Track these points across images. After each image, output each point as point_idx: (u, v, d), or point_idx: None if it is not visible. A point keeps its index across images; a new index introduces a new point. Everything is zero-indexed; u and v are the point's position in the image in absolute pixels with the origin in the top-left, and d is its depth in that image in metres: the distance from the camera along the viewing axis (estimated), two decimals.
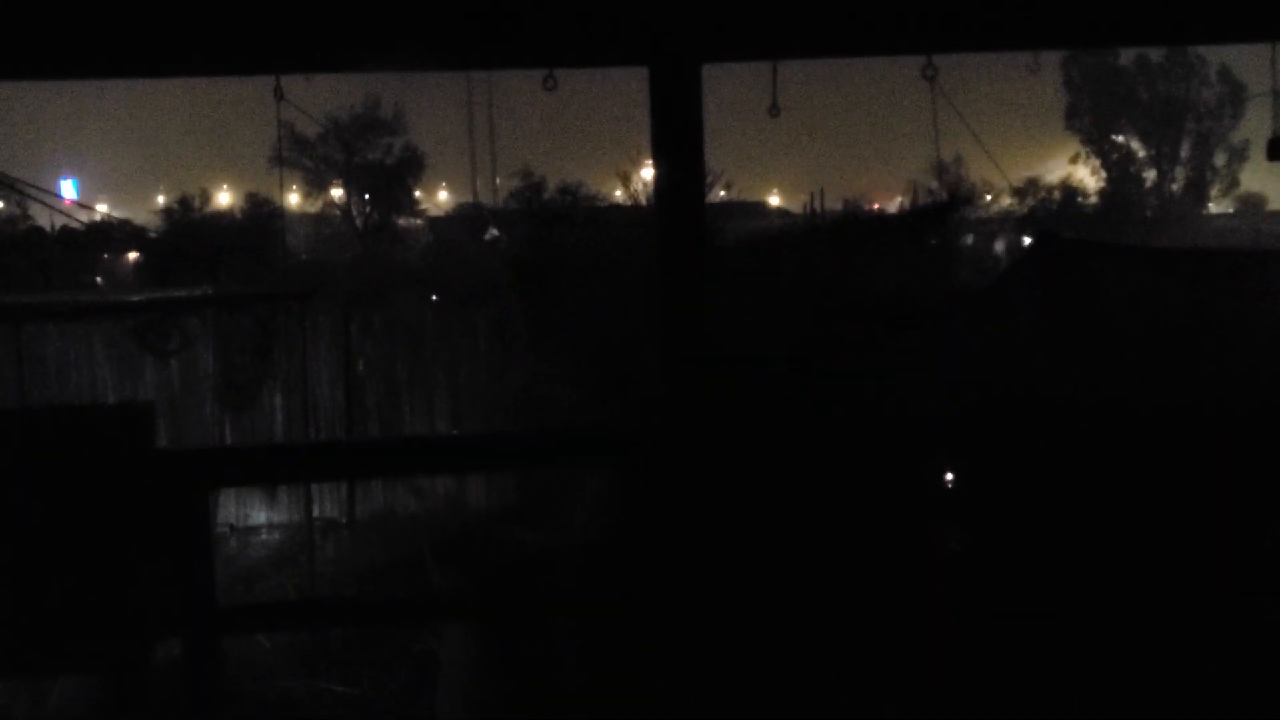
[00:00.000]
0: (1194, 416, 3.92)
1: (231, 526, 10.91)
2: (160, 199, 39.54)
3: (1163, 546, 3.78)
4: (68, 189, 42.72)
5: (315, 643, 7.13)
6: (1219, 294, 4.94)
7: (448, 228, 37.75)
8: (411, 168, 40.18)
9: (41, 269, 20.47)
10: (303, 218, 41.81)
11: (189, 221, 32.18)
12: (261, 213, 33.21)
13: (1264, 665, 3.66)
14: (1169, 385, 4.36)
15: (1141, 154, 44.91)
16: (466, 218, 38.14)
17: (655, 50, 3.50)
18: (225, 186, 43.61)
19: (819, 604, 3.80)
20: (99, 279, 23.67)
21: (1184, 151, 45.34)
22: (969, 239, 31.02)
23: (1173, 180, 45.25)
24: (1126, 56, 44.04)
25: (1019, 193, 36.80)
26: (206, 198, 37.24)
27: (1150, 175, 45.29)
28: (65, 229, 24.38)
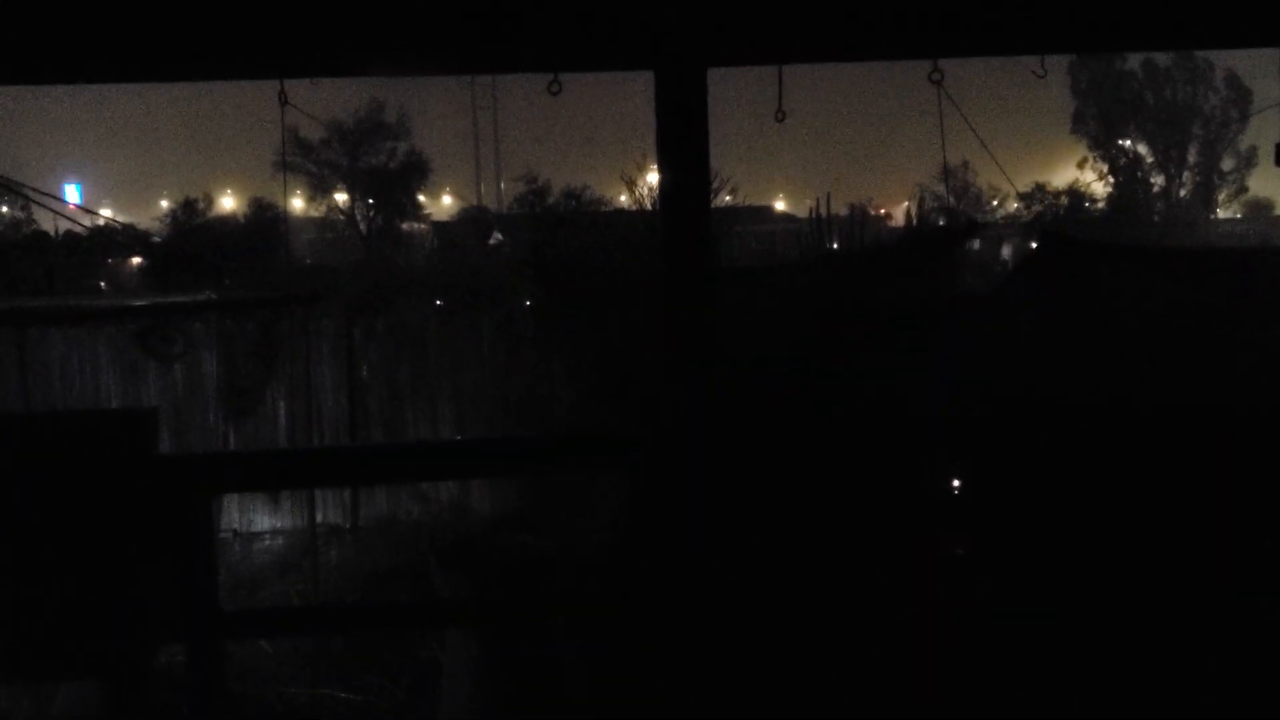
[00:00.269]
0: (1201, 417, 3.90)
1: (235, 532, 10.91)
2: (164, 203, 39.64)
3: (1170, 549, 3.76)
4: (72, 193, 42.90)
5: (318, 648, 7.11)
6: (1225, 292, 4.92)
7: (452, 232, 37.79)
8: (415, 172, 40.24)
9: (45, 274, 20.50)
10: (306, 222, 41.90)
11: (193, 226, 32.21)
12: (265, 217, 33.24)
13: (1270, 667, 3.64)
14: (1175, 385, 4.35)
15: (1149, 159, 44.93)
16: (470, 222, 38.18)
17: (660, 54, 3.49)
18: (229, 191, 43.74)
19: (821, 606, 3.78)
20: (103, 284, 23.73)
21: (1191, 157, 45.36)
22: (975, 244, 31.03)
23: (1181, 186, 45.27)
24: (1133, 61, 44.09)
25: (1026, 198, 36.81)
26: (210, 202, 37.28)
27: (1158, 180, 45.31)
28: (69, 233, 24.44)
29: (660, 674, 3.68)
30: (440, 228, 40.70)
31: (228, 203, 41.22)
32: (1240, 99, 44.14)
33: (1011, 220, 37.88)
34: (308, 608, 7.67)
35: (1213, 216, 45.84)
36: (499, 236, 34.32)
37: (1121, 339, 4.68)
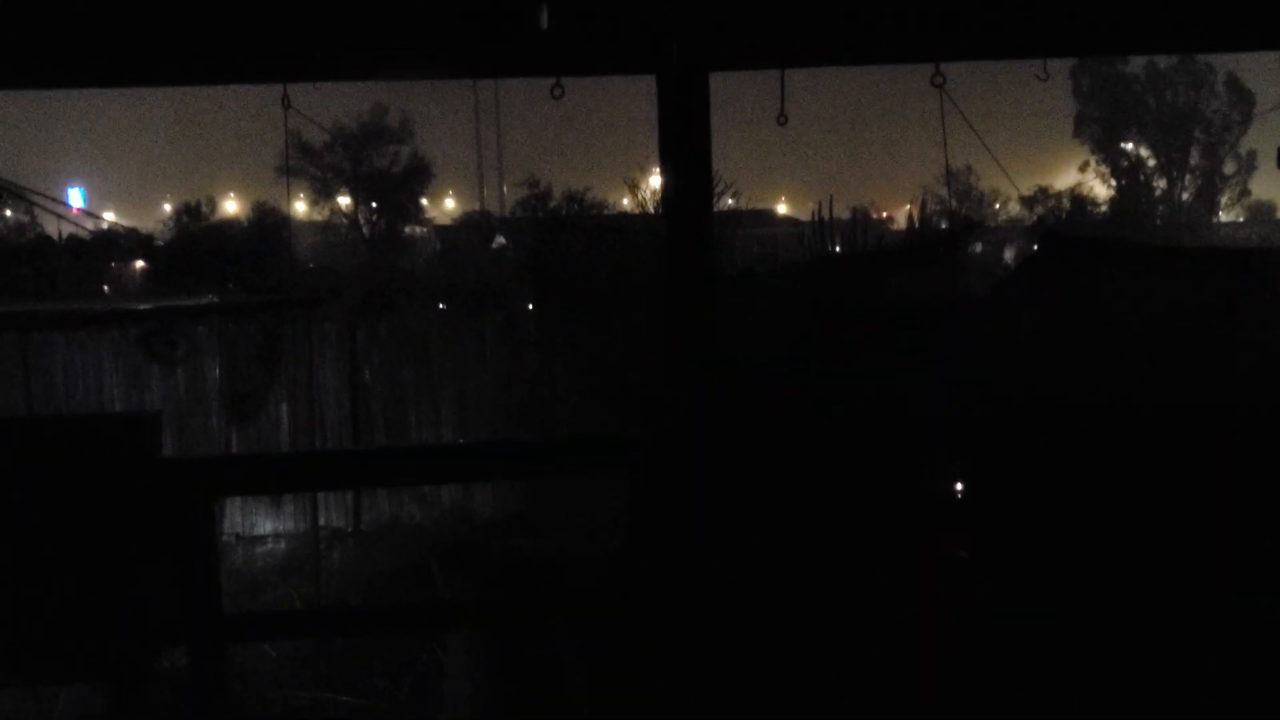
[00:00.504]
0: (1202, 417, 3.90)
1: (237, 535, 10.90)
2: (167, 207, 39.66)
3: (1171, 549, 3.76)
4: (75, 197, 42.91)
5: (320, 652, 7.11)
6: (1226, 292, 4.92)
7: (454, 236, 37.81)
8: (418, 176, 40.27)
9: (49, 278, 20.53)
10: (309, 226, 41.92)
11: (196, 230, 32.26)
12: (268, 221, 33.28)
13: (1271, 668, 3.64)
14: (1176, 386, 4.34)
15: (1151, 162, 44.92)
16: (473, 226, 38.19)
17: (662, 58, 3.49)
18: (232, 195, 43.76)
19: (821, 607, 3.78)
20: (106, 287, 23.75)
21: (1194, 160, 45.34)
22: (978, 247, 31.02)
23: (1183, 189, 45.25)
24: (1135, 64, 44.08)
25: (1028, 201, 36.80)
26: (213, 206, 37.34)
27: (1160, 184, 45.28)
28: (73, 237, 24.47)
29: (660, 675, 3.68)
30: (443, 231, 40.72)
31: (231, 206, 41.26)
32: (1242, 102, 44.11)
33: (1014, 223, 37.88)
34: (310, 610, 7.68)
35: (1215, 220, 45.81)
36: (501, 240, 34.33)
37: (1122, 339, 4.68)
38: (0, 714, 5.08)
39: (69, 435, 3.56)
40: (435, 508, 10.98)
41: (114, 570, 3.40)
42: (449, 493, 10.93)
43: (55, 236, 26.26)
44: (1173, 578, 3.74)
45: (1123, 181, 44.04)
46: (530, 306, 12.76)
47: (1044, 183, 38.93)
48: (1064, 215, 36.91)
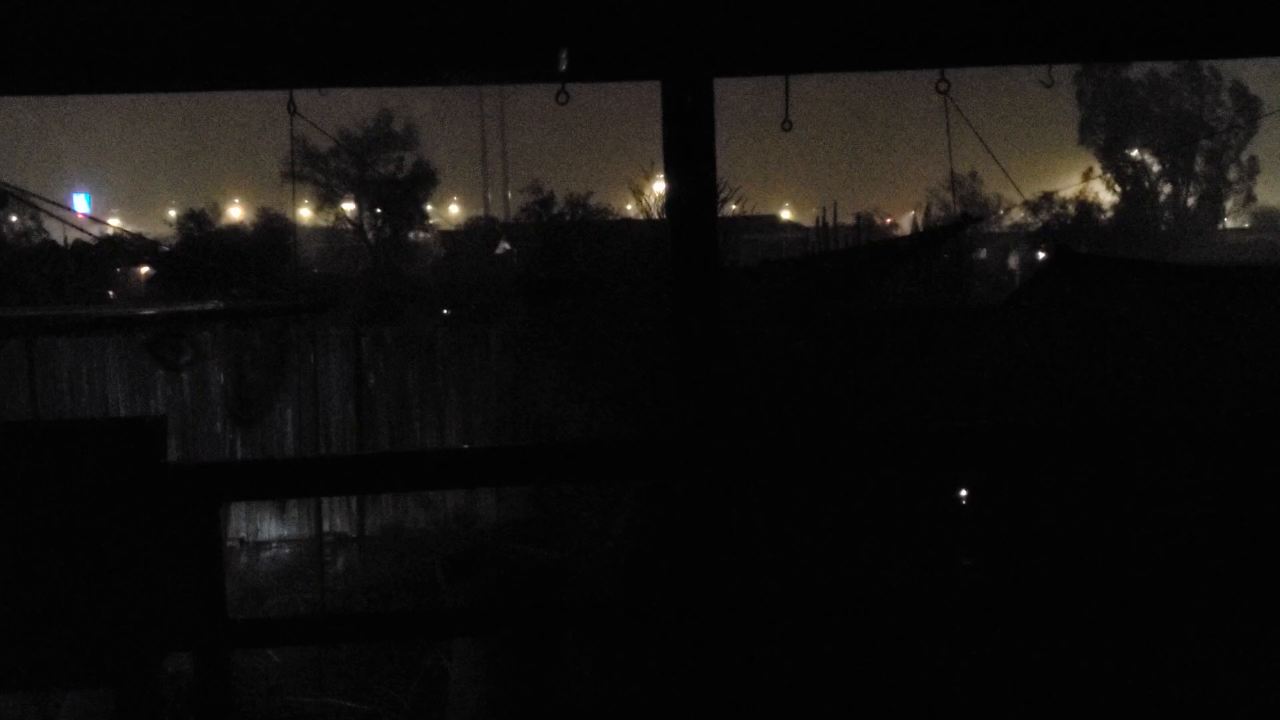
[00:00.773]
0: (1210, 429, 3.89)
1: (242, 541, 10.91)
2: (172, 213, 39.75)
3: (1181, 557, 3.76)
4: (81, 203, 43.05)
5: (325, 658, 7.12)
6: (1234, 309, 4.92)
7: (459, 242, 37.87)
8: (423, 182, 40.32)
9: (54, 283, 20.57)
10: (314, 232, 42.01)
11: (201, 235, 32.31)
12: (273, 227, 33.35)
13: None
14: (1185, 401, 4.34)
15: (1156, 168, 44.89)
16: (478, 232, 38.27)
17: (668, 64, 3.50)
18: (237, 200, 43.90)
19: (830, 611, 3.78)
20: (112, 293, 23.80)
21: (1198, 166, 45.32)
22: (983, 253, 31.04)
23: (1188, 195, 45.22)
24: (1138, 70, 44.10)
25: (1033, 207, 36.77)
26: (218, 212, 37.46)
27: (1165, 189, 45.26)
28: (78, 243, 24.53)
29: (668, 681, 3.68)
30: (447, 237, 40.79)
31: (236, 212, 41.39)
32: (1248, 108, 44.10)
33: (1019, 229, 37.87)
34: (315, 617, 7.67)
35: (1221, 226, 45.79)
36: (506, 246, 34.38)
37: (1133, 352, 4.68)
38: (4, 718, 5.08)
39: (74, 440, 3.56)
40: (439, 513, 10.99)
41: (118, 575, 3.40)
42: (453, 498, 10.94)
43: (61, 242, 26.32)
44: (1181, 585, 3.73)
45: (1127, 187, 44.02)
46: (535, 311, 12.77)
47: (1049, 188, 38.91)
48: (1069, 221, 36.86)
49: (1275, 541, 3.77)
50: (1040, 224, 36.80)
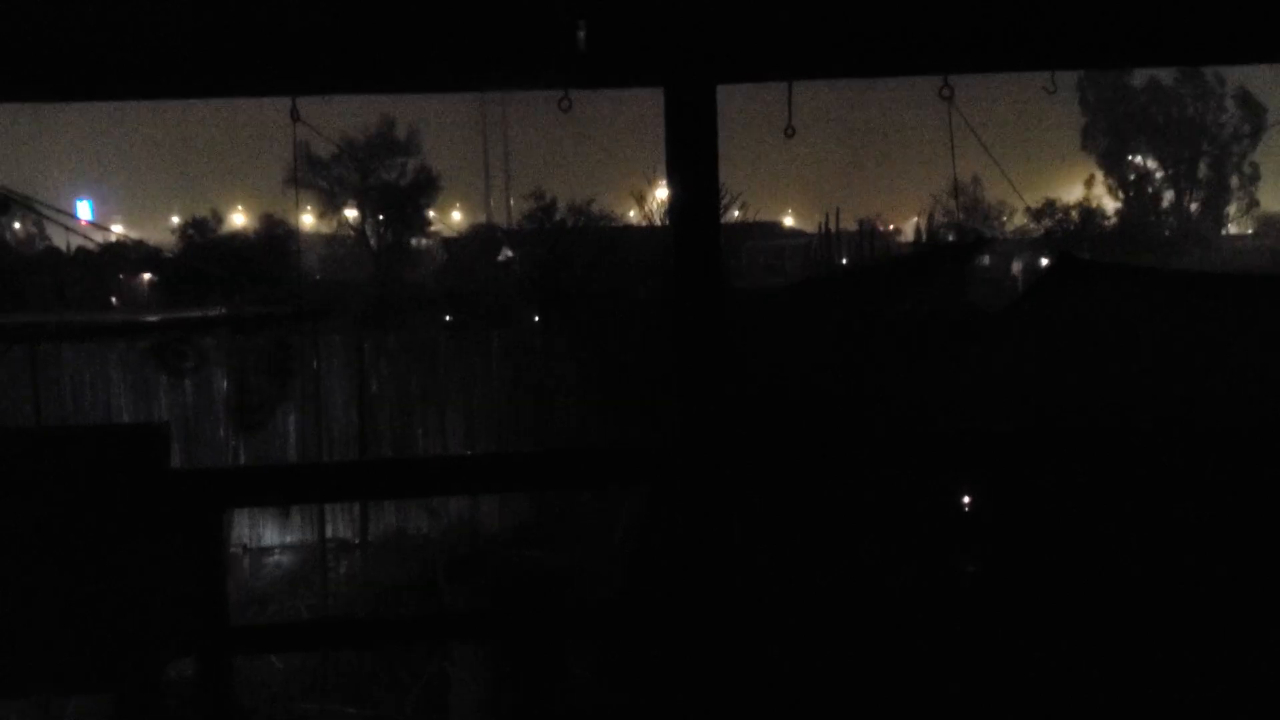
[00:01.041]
0: (1213, 437, 3.90)
1: (244, 547, 10.91)
2: (175, 219, 39.84)
3: (1180, 567, 3.75)
4: (84, 210, 43.14)
5: (327, 663, 7.11)
6: (1237, 316, 4.92)
7: (461, 248, 37.90)
8: (425, 188, 40.38)
9: (57, 289, 20.60)
10: (317, 238, 42.07)
11: (204, 242, 32.36)
12: (276, 233, 33.38)
13: None
14: (1187, 407, 4.35)
15: (1159, 174, 44.90)
16: (480, 238, 38.29)
17: (671, 71, 3.50)
18: (240, 207, 43.97)
19: (834, 618, 3.78)
20: (114, 299, 23.83)
21: (1201, 172, 45.33)
22: (986, 259, 31.03)
23: (1191, 201, 45.23)
24: (1140, 77, 44.12)
25: (1036, 213, 36.78)
26: (221, 218, 37.49)
27: (1168, 196, 45.27)
28: (81, 249, 24.56)
29: (671, 687, 3.67)
30: (450, 244, 40.82)
31: (239, 219, 41.42)
32: (1252, 115, 44.11)
33: (1022, 235, 37.86)
34: (317, 622, 7.67)
35: (1224, 232, 45.79)
36: (508, 253, 34.41)
37: (1136, 360, 4.68)
38: None
39: (77, 446, 3.57)
40: (442, 519, 10.99)
41: (121, 581, 3.41)
42: (455, 504, 10.94)
43: (64, 248, 26.37)
44: (1184, 595, 3.73)
45: (1130, 194, 44.03)
46: (536, 318, 12.78)
47: (1051, 195, 38.92)
48: (1072, 227, 36.87)
49: (1274, 543, 3.77)
50: (1043, 230, 36.80)
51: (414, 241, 40.87)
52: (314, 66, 3.57)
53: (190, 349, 10.41)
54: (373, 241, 40.06)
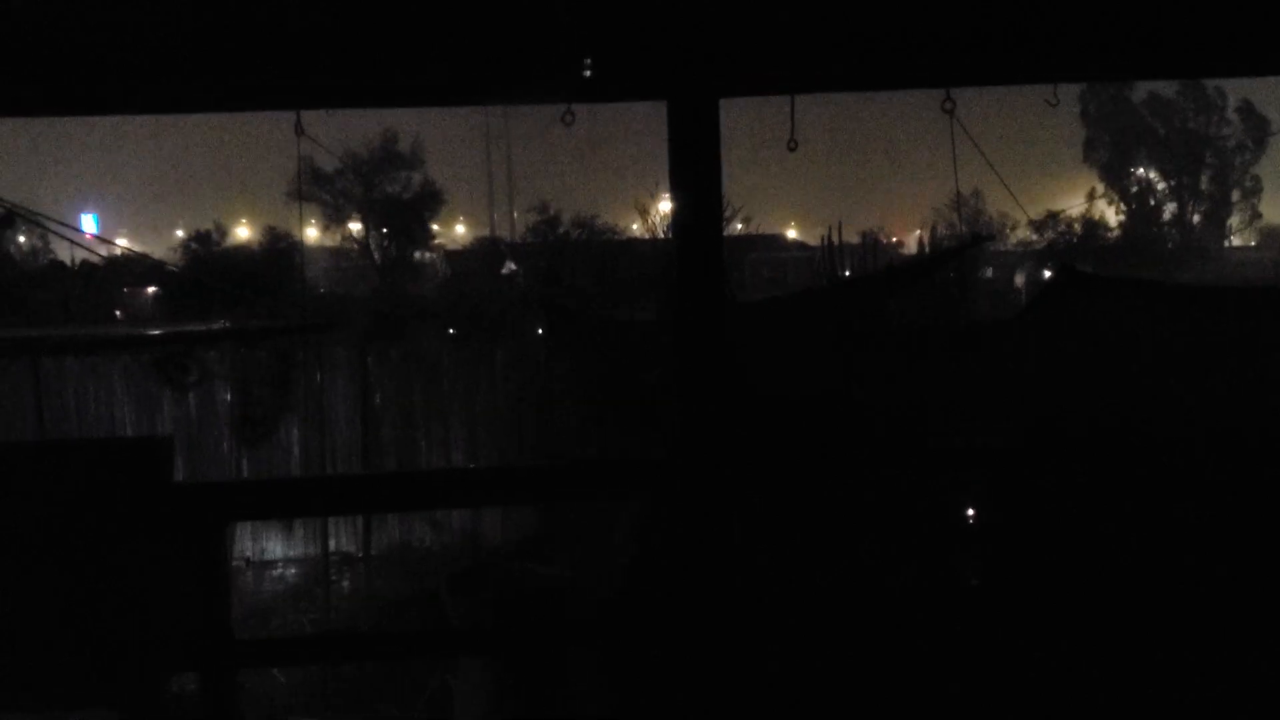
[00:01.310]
0: (1216, 449, 3.89)
1: (247, 560, 10.90)
2: (179, 233, 39.87)
3: (1186, 577, 3.75)
4: (88, 223, 43.20)
5: (330, 677, 7.10)
6: (1239, 328, 4.93)
7: (465, 261, 37.92)
8: (429, 202, 40.42)
9: (62, 303, 20.62)
10: (321, 251, 42.10)
11: (208, 255, 32.40)
12: (280, 246, 33.41)
13: None
14: (1190, 419, 4.35)
15: (1161, 186, 44.89)
16: (483, 251, 38.31)
17: (673, 85, 3.51)
18: (244, 220, 43.98)
19: (835, 629, 3.78)
20: (119, 313, 23.85)
21: (1203, 184, 45.31)
22: (989, 271, 31.04)
23: (1194, 213, 45.21)
24: (1143, 89, 44.15)
25: (1039, 226, 36.76)
26: (225, 232, 37.52)
27: (1170, 208, 45.26)
28: (85, 263, 24.59)
29: (674, 698, 3.67)
30: (453, 257, 40.84)
31: (243, 232, 41.45)
32: (1256, 127, 44.10)
33: (1024, 248, 37.85)
34: (320, 636, 7.66)
35: (1226, 244, 45.75)
36: (512, 265, 34.44)
37: (1137, 371, 4.68)
38: None
39: (81, 459, 3.57)
40: (445, 532, 10.97)
41: (123, 594, 3.40)
42: (459, 517, 10.92)
43: (68, 262, 26.41)
44: (1190, 604, 3.72)
45: (1132, 206, 44.02)
46: (540, 331, 12.78)
47: (1054, 207, 38.89)
48: (1074, 239, 36.86)
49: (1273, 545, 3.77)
50: (1045, 242, 36.78)
51: (417, 254, 40.88)
52: (318, 80, 3.58)
53: (193, 362, 10.41)
54: (376, 255, 40.10)
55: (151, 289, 25.99)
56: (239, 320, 13.82)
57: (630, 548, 4.56)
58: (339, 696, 6.94)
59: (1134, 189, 44.49)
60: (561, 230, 33.23)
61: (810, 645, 3.73)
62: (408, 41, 3.42)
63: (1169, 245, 41.18)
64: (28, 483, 3.45)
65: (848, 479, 3.85)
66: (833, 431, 4.55)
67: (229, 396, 11.06)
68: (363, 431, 11.27)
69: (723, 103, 3.54)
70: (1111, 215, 42.89)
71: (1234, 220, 46.66)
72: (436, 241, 42.76)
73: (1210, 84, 43.36)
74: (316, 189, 39.49)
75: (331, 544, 10.67)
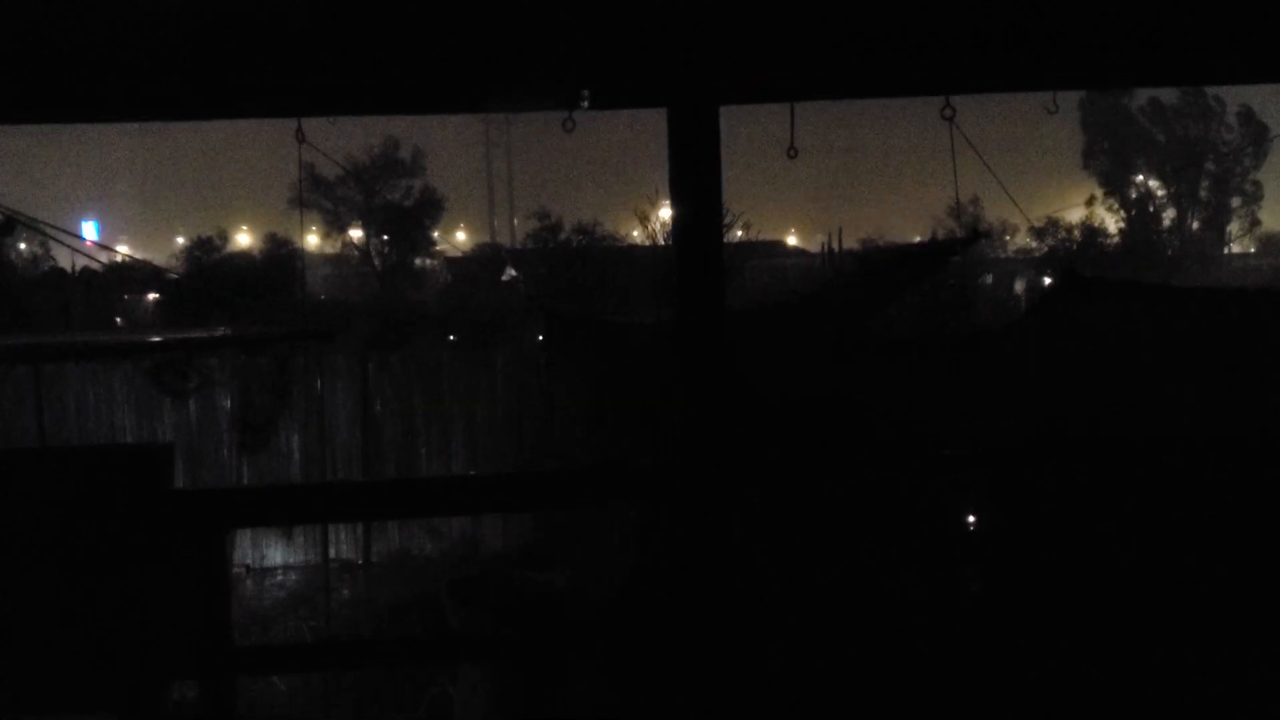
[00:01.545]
0: (1216, 449, 3.89)
1: (248, 567, 10.90)
2: (180, 240, 39.88)
3: (1186, 577, 3.75)
4: (89, 230, 43.27)
5: (331, 684, 7.09)
6: (1239, 332, 4.93)
7: (465, 268, 37.90)
8: (429, 209, 40.44)
9: (62, 310, 20.62)
10: (321, 258, 42.15)
11: (209, 262, 32.37)
12: (281, 253, 33.39)
13: None
14: (1191, 421, 4.35)
15: (1160, 193, 44.90)
16: (484, 258, 38.30)
17: (674, 92, 3.51)
18: (245, 227, 44.01)
19: (835, 635, 3.78)
20: (119, 319, 23.85)
21: (1203, 192, 45.31)
22: (988, 278, 31.03)
23: (1193, 220, 45.21)
24: (1143, 96, 44.18)
25: (1039, 233, 36.75)
26: (226, 238, 37.49)
27: (1169, 215, 45.26)
28: (86, 270, 24.57)
29: (674, 699, 3.67)
30: (454, 264, 40.84)
31: (244, 239, 41.46)
32: (1256, 134, 44.10)
33: (1024, 255, 37.84)
34: (320, 643, 7.65)
35: (1226, 251, 45.74)
36: (512, 272, 34.44)
37: (1140, 375, 4.69)
38: None
39: (81, 466, 3.57)
40: (445, 540, 10.97)
41: (123, 602, 3.40)
42: (459, 524, 10.92)
43: (69, 269, 26.38)
44: (1193, 607, 3.72)
45: (1132, 213, 44.03)
46: (540, 338, 12.78)
47: (1054, 214, 38.87)
48: (1074, 246, 36.85)
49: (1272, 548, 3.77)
50: (1046, 249, 36.76)
51: (418, 261, 40.89)
52: (318, 88, 3.58)
53: (192, 369, 10.41)
54: (377, 262, 40.10)
55: (152, 296, 25.97)
56: (240, 327, 13.82)
57: (630, 549, 4.56)
58: (339, 704, 6.93)
59: (1133, 195, 44.51)
60: (562, 237, 33.21)
61: (810, 645, 3.73)
62: (409, 47, 3.43)
63: (1168, 252, 41.17)
64: (28, 490, 3.45)
65: (848, 480, 3.85)
66: (833, 433, 4.55)
67: (230, 403, 11.06)
68: (363, 438, 11.27)
69: (723, 110, 3.55)
70: (1111, 222, 42.89)
71: (1233, 227, 46.67)
72: (437, 248, 42.77)
73: (1210, 91, 43.40)
74: (318, 196, 39.53)
75: (332, 551, 10.67)
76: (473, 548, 10.77)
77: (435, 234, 41.93)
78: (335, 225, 41.18)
